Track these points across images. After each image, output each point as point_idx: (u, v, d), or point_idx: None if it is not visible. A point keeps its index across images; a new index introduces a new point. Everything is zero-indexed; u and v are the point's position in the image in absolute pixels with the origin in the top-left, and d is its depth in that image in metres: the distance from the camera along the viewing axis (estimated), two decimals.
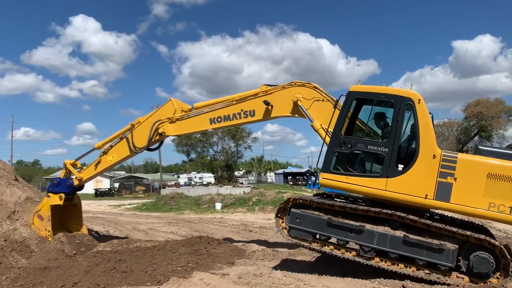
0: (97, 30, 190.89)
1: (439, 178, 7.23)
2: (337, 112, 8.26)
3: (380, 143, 7.79)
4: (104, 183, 67.09)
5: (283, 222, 8.20)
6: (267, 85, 10.24)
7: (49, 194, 11.47)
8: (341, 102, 8.27)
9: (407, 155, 7.60)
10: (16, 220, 11.08)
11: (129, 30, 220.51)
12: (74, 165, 11.93)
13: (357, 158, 8.03)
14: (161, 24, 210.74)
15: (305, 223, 7.89)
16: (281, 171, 76.10)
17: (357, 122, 8.70)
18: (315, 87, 9.59)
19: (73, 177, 11.79)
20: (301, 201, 8.12)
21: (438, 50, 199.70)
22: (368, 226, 7.44)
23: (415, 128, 7.50)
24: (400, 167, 7.54)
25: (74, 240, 10.98)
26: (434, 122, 8.28)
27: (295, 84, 9.78)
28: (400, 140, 7.64)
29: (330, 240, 7.87)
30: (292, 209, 8.05)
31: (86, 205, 33.73)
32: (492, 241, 6.87)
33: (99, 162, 11.70)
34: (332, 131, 8.13)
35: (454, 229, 7.02)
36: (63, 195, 11.30)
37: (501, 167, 7.05)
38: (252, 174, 74.49)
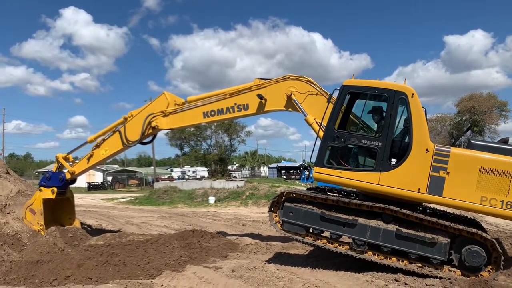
0: (88, 22, 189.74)
1: (431, 172, 7.25)
2: (331, 106, 8.24)
3: (374, 137, 7.80)
4: (97, 177, 66.84)
5: (276, 216, 8.20)
6: (261, 78, 10.19)
7: (41, 188, 11.38)
8: (334, 96, 8.25)
9: (400, 149, 7.62)
10: (8, 213, 11.00)
11: (120, 23, 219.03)
12: (66, 158, 11.82)
13: (351, 152, 8.03)
14: (152, 17, 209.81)
15: (298, 217, 7.89)
16: (274, 165, 76.24)
17: (350, 116, 8.70)
18: (309, 81, 9.55)
19: (65, 170, 11.70)
20: (294, 195, 8.12)
21: (431, 45, 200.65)
22: (361, 220, 7.46)
23: (408, 122, 7.51)
24: (393, 161, 7.56)
25: (67, 234, 10.93)
26: (427, 117, 8.29)
27: (289, 77, 9.74)
28: (393, 134, 7.64)
29: (323, 234, 7.89)
30: (286, 203, 8.05)
31: (78, 198, 33.53)
32: (484, 234, 6.92)
33: (91, 155, 11.60)
34: (325, 125, 8.12)
35: (447, 223, 7.06)
36: (55, 189, 11.21)
37: (493, 161, 7.09)
38: (246, 168, 74.52)
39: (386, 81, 8.23)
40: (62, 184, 11.52)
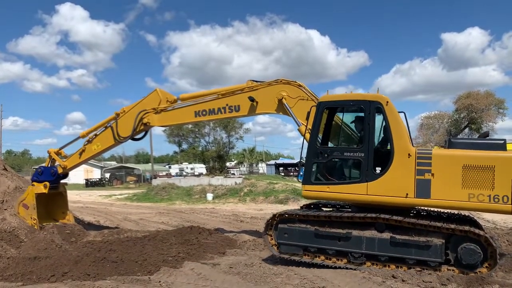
0: (85, 18, 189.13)
1: (417, 176, 7.28)
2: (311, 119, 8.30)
3: (355, 149, 7.93)
4: (95, 173, 66.76)
5: (272, 239, 8.16)
6: (254, 80, 10.29)
7: (34, 183, 11.45)
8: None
9: (383, 158, 7.66)
10: (5, 210, 10.99)
11: (117, 19, 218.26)
12: (58, 153, 11.93)
13: (336, 166, 8.10)
14: (148, 13, 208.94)
15: (293, 237, 7.88)
16: (272, 162, 76.31)
17: (331, 130, 8.82)
18: (300, 85, 9.64)
19: (57, 165, 11.77)
20: (287, 215, 8.10)
21: (428, 42, 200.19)
22: (355, 232, 7.46)
23: (387, 130, 7.59)
24: (378, 170, 7.61)
25: (64, 230, 10.94)
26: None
27: (281, 81, 9.83)
28: (374, 144, 7.72)
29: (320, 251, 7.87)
30: (279, 225, 8.04)
31: (76, 195, 33.56)
32: (477, 231, 6.91)
33: (83, 150, 11.69)
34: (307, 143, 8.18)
35: (438, 224, 7.07)
36: (47, 183, 11.27)
37: (475, 158, 7.11)
38: (244, 165, 74.53)
39: (359, 92, 8.45)
40: (54, 179, 11.59)
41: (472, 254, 6.87)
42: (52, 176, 11.52)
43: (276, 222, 8.14)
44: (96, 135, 11.62)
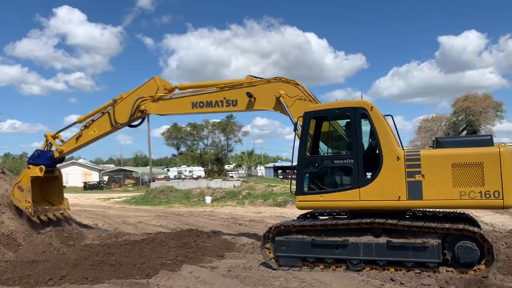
0: (82, 21, 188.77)
1: (407, 178, 7.29)
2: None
3: (345, 156, 8.00)
4: (93, 176, 66.66)
5: (270, 252, 8.10)
6: (253, 76, 10.27)
7: (30, 166, 11.47)
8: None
9: (372, 162, 7.67)
10: (3, 213, 10.95)
11: (114, 22, 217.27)
12: (55, 137, 11.99)
13: (327, 174, 8.12)
14: (146, 16, 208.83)
15: (291, 249, 7.85)
16: (271, 164, 76.31)
17: (322, 138, 8.86)
18: (298, 84, 9.65)
19: (54, 149, 11.80)
20: (283, 227, 8.06)
21: (425, 45, 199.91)
22: (351, 239, 7.44)
23: (374, 135, 7.64)
24: (369, 175, 7.63)
25: (62, 234, 10.94)
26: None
27: (280, 79, 9.85)
28: (363, 149, 7.75)
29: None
30: (276, 237, 8.00)
31: (74, 198, 33.49)
32: (471, 228, 6.89)
33: (80, 135, 11.76)
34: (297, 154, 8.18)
35: (433, 225, 7.07)
36: (43, 166, 11.32)
37: (463, 155, 7.13)
38: (242, 168, 74.49)
39: (344, 100, 8.46)
40: (50, 162, 11.66)
41: (469, 251, 6.86)
42: (48, 160, 11.59)
43: (272, 235, 8.09)
44: (93, 120, 11.67)
